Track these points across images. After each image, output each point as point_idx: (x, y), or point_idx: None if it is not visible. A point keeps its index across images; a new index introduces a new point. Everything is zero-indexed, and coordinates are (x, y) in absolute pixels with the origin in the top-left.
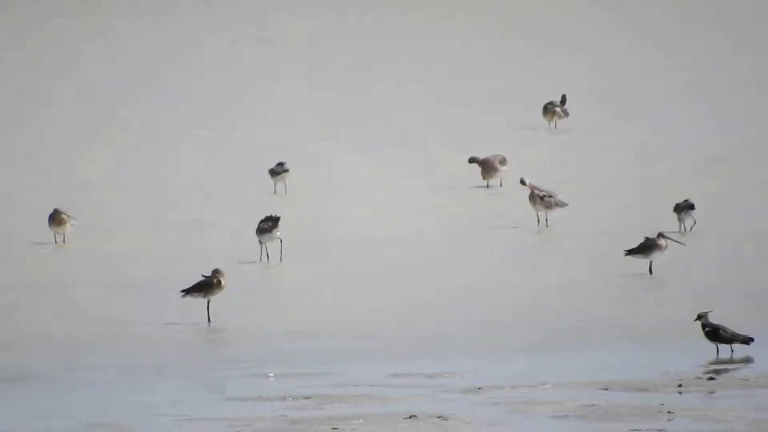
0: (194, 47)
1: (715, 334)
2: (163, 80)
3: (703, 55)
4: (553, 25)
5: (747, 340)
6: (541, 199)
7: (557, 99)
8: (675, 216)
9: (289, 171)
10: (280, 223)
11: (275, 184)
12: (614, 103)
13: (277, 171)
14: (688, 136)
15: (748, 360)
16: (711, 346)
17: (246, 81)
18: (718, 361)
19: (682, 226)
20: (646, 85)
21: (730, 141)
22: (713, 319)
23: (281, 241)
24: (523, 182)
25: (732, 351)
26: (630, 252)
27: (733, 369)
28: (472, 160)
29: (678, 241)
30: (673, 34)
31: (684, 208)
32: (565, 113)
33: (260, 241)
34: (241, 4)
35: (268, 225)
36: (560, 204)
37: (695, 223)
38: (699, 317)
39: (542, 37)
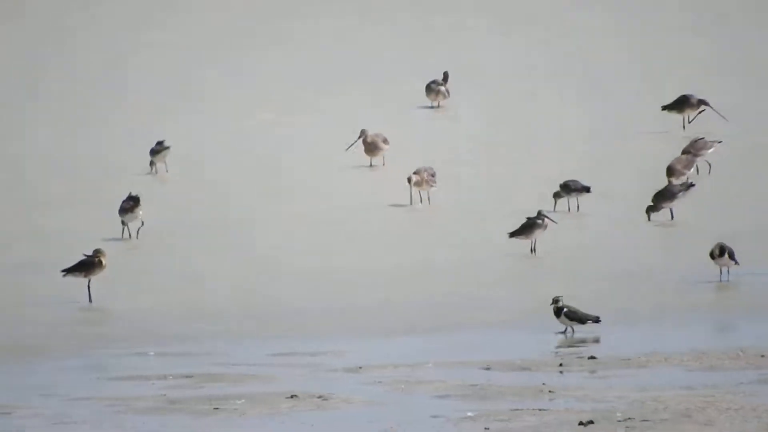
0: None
1: (573, 314)
2: (49, 57)
3: (631, 37)
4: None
5: (597, 320)
6: (427, 179)
7: (440, 77)
8: (560, 195)
9: (170, 148)
10: (140, 202)
11: (155, 164)
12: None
13: (157, 150)
14: (582, 119)
15: (596, 340)
16: (578, 327)
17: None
18: (571, 342)
19: (568, 205)
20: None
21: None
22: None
23: (142, 222)
24: (410, 180)
25: (573, 331)
26: (513, 234)
27: (615, 349)
28: (361, 134)
29: (552, 220)
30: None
31: (575, 189)
32: (448, 92)
33: (123, 221)
34: None
35: (129, 204)
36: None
37: (578, 207)
38: (554, 301)
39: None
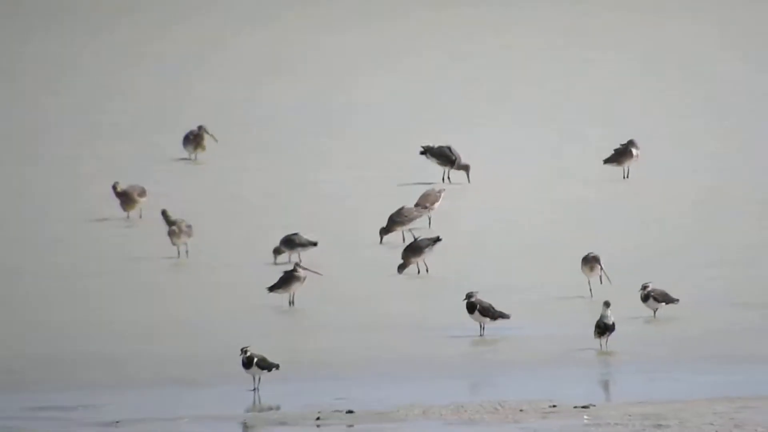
0: None
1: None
2: None
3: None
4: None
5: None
6: (184, 229)
7: (195, 128)
8: (280, 251)
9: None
10: None
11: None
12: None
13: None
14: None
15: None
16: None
17: None
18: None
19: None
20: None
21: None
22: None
23: None
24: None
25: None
26: (273, 288)
27: (373, 402)
28: (117, 191)
29: (315, 272)
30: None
31: (300, 244)
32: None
33: None
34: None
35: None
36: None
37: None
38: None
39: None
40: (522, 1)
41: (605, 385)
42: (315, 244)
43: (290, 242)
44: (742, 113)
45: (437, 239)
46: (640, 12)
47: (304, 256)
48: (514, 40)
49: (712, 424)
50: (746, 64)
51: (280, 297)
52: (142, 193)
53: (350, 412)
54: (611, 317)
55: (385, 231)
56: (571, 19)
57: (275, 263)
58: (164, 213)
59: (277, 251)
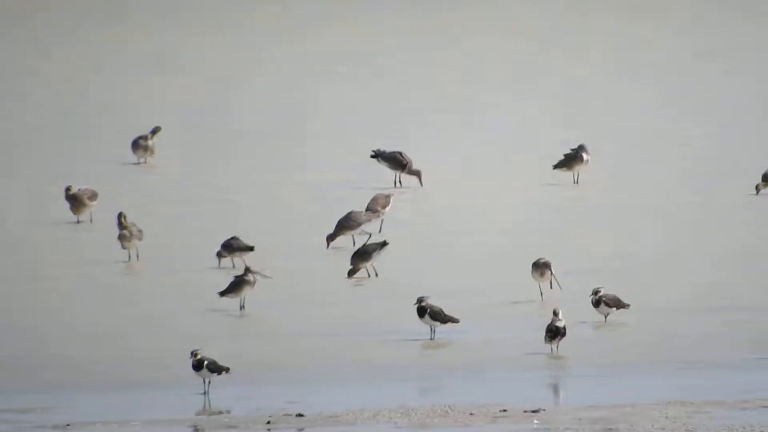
0: None
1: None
2: None
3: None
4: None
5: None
6: (135, 233)
7: (147, 133)
8: (222, 254)
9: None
10: None
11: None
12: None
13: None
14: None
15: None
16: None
17: None
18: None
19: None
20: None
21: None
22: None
23: None
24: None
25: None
26: (223, 293)
27: (323, 405)
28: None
29: (266, 276)
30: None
31: (238, 248)
32: (154, 148)
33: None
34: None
35: None
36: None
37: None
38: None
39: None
40: (477, 4)
41: (556, 390)
42: (252, 248)
43: (229, 246)
44: (695, 118)
45: (384, 243)
46: (593, 14)
47: (256, 260)
48: (468, 44)
49: (663, 429)
50: (704, 66)
51: (231, 301)
52: (93, 196)
53: (300, 415)
54: (563, 321)
55: (332, 237)
56: (527, 21)
57: (219, 267)
58: (121, 216)
59: (219, 255)
